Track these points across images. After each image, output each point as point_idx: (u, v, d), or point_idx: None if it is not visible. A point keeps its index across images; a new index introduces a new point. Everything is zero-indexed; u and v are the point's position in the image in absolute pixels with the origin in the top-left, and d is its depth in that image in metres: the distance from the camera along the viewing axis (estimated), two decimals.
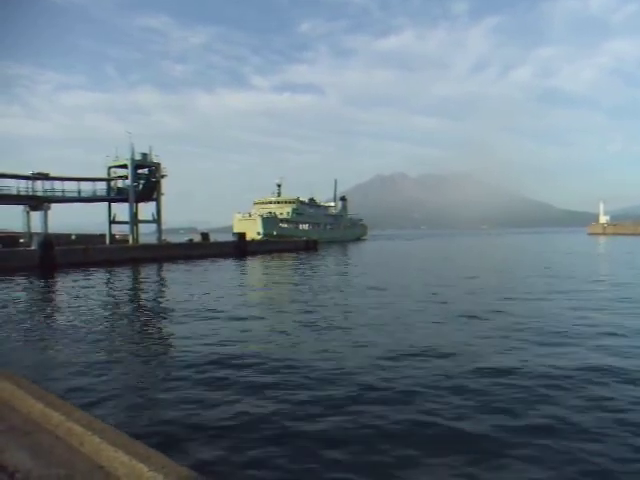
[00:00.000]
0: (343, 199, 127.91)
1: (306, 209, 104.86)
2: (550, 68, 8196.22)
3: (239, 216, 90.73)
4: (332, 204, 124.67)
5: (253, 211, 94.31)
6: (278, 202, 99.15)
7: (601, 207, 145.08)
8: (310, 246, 73.50)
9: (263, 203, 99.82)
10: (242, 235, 63.59)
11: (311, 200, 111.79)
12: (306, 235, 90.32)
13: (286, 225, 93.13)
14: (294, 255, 57.79)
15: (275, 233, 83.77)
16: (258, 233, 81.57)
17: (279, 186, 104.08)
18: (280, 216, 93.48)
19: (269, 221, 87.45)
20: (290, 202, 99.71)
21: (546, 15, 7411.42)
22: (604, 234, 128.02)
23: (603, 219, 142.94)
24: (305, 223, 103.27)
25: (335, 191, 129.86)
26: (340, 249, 72.54)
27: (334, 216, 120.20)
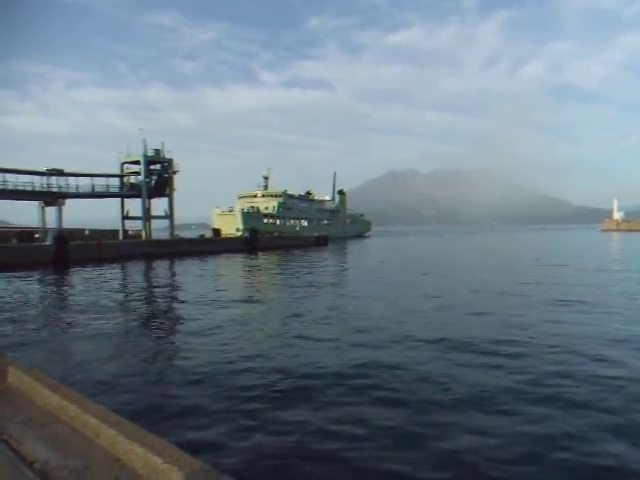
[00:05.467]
0: (341, 193, 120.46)
1: (296, 203, 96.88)
2: (562, 63, 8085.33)
3: (218, 211, 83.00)
4: (328, 198, 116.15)
5: (238, 205, 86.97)
6: (264, 196, 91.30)
7: (615, 203, 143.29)
8: (320, 242, 73.76)
9: (248, 197, 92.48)
10: (254, 231, 63.62)
11: (307, 194, 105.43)
12: (295, 231, 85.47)
13: (270, 220, 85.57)
14: (303, 251, 57.73)
15: (258, 229, 73.78)
16: (237, 229, 75.14)
17: (266, 179, 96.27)
18: (265, 210, 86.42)
19: (250, 216, 79.87)
20: (276, 196, 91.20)
21: (557, 9, 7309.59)
22: (618, 230, 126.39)
23: (617, 215, 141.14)
24: (295, 218, 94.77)
25: (334, 185, 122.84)
26: (329, 249, 63.92)
27: (331, 211, 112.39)
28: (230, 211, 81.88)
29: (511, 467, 5.45)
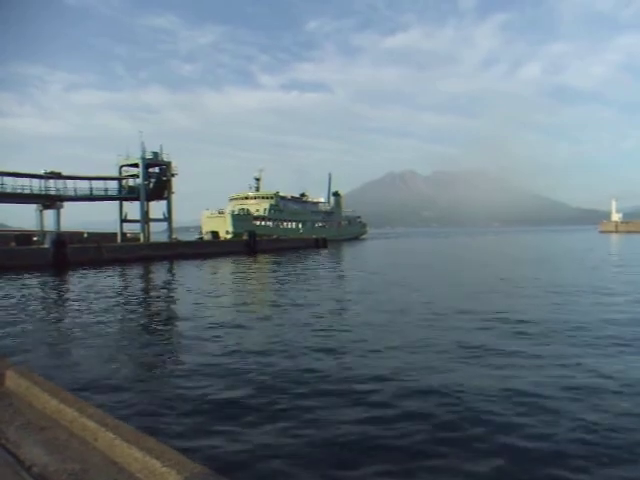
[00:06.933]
0: (336, 194, 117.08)
1: (288, 205, 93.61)
2: (560, 64, 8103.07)
3: (208, 213, 79.72)
4: (322, 200, 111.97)
5: (229, 207, 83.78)
6: (255, 197, 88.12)
7: (613, 205, 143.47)
8: (320, 244, 73.91)
9: (239, 199, 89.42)
10: (253, 233, 63.46)
11: (301, 195, 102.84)
12: (288, 234, 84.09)
13: (262, 223, 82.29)
14: (302, 253, 57.77)
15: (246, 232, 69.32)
16: (227, 232, 72.92)
17: (258, 180, 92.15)
18: (256, 213, 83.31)
19: (240, 218, 77.12)
20: (268, 197, 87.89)
21: (554, 11, 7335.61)
22: (616, 232, 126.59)
23: (615, 217, 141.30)
24: (287, 220, 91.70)
25: (329, 186, 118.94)
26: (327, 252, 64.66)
27: (325, 213, 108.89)
28: (220, 213, 79.20)
29: None
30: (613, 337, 11.76)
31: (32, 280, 28.42)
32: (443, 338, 11.93)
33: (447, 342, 11.52)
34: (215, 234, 68.59)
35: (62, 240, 39.97)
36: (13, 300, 19.91)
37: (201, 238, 68.14)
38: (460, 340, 11.65)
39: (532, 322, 13.77)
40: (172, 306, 18.84)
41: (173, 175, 56.06)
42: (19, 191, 45.29)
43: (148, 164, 53.88)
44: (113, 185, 53.60)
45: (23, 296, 21.34)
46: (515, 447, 6.02)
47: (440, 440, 6.26)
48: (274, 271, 35.49)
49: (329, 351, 10.91)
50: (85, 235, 54.75)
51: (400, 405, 7.49)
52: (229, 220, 75.33)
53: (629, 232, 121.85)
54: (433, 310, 16.17)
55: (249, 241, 61.42)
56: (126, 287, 25.50)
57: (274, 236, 77.09)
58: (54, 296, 21.95)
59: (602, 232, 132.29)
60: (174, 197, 56.53)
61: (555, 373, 8.93)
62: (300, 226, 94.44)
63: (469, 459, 5.73)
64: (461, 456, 5.82)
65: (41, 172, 46.98)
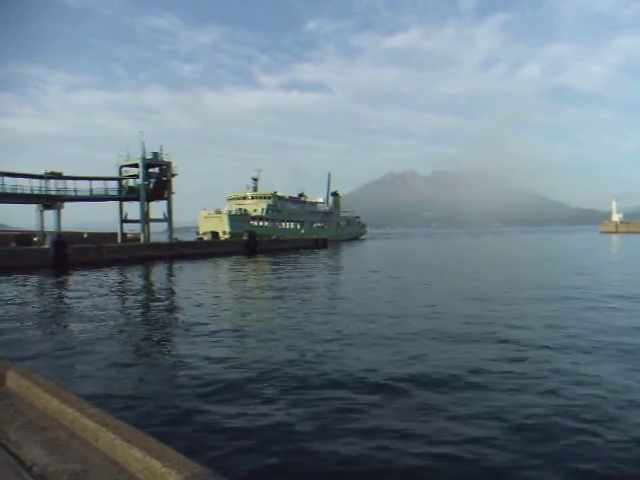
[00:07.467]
0: (335, 195, 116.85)
1: (286, 205, 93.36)
2: (560, 65, 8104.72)
3: (205, 213, 79.29)
4: (321, 200, 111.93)
5: (226, 207, 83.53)
6: (253, 197, 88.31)
7: (614, 205, 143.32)
8: (320, 245, 73.93)
9: (237, 199, 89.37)
10: (253, 234, 63.47)
11: (300, 195, 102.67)
12: (286, 234, 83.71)
13: (259, 223, 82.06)
14: (302, 254, 57.82)
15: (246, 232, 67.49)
16: (223, 232, 72.97)
17: (255, 180, 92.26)
18: (254, 213, 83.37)
19: (237, 218, 77.24)
20: (265, 197, 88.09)
21: (555, 11, 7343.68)
22: (617, 232, 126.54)
23: (616, 217, 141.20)
24: (285, 220, 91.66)
25: (328, 187, 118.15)
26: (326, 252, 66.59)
27: (324, 213, 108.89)
28: (217, 213, 78.88)
29: None
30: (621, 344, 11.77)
31: (32, 281, 28.41)
32: (444, 345, 11.95)
33: (447, 347, 11.54)
34: (215, 234, 68.62)
35: (62, 240, 39.94)
36: (13, 301, 19.90)
37: (201, 238, 68.11)
38: (459, 342, 11.67)
39: (533, 325, 13.79)
40: (172, 307, 18.83)
41: (173, 175, 56.07)
42: (19, 191, 45.27)
43: (148, 164, 53.87)
44: (113, 185, 53.61)
45: (23, 297, 21.34)
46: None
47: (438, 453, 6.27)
48: (275, 271, 35.50)
49: (329, 353, 10.92)
50: (85, 235, 54.80)
51: (399, 419, 7.50)
52: (226, 220, 75.33)
53: (629, 232, 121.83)
54: (433, 311, 16.19)
55: (249, 241, 61.43)
56: (126, 288, 25.50)
57: (274, 236, 77.14)
58: (55, 297, 21.95)
59: (603, 232, 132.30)
60: (174, 197, 56.63)
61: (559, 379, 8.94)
62: (299, 226, 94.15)
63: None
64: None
65: (41, 172, 46.97)
